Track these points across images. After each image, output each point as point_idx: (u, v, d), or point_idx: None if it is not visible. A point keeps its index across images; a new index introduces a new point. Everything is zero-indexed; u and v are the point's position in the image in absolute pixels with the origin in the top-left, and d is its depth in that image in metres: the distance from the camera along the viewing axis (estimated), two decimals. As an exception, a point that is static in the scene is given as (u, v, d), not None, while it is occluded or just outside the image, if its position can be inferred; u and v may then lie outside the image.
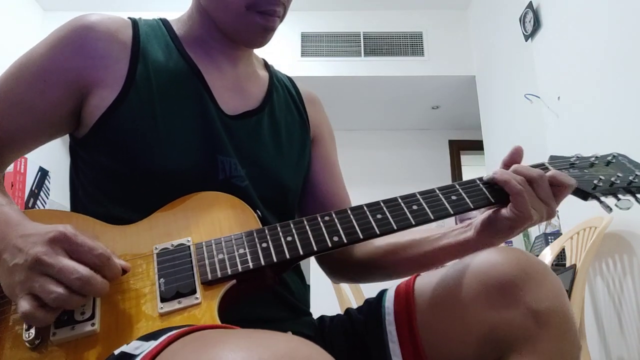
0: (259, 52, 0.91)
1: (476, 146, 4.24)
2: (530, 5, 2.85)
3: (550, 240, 2.41)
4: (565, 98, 2.53)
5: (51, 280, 0.52)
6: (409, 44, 4.03)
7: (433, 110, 4.63)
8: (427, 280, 0.71)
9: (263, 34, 0.78)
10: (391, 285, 0.76)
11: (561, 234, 2.36)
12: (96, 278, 0.54)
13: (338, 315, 0.80)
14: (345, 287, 2.51)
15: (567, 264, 2.11)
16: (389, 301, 0.73)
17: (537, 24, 2.81)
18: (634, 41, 2.02)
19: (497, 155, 3.55)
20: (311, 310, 0.83)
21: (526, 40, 2.95)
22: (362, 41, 4.02)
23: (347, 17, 4.07)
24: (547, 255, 2.21)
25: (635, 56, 2.01)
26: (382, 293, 0.76)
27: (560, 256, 2.24)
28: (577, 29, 2.43)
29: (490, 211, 0.71)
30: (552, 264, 2.16)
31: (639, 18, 1.99)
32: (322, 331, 0.78)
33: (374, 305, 0.75)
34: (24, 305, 0.52)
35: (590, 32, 2.31)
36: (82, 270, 0.53)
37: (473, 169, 5.19)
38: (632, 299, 1.99)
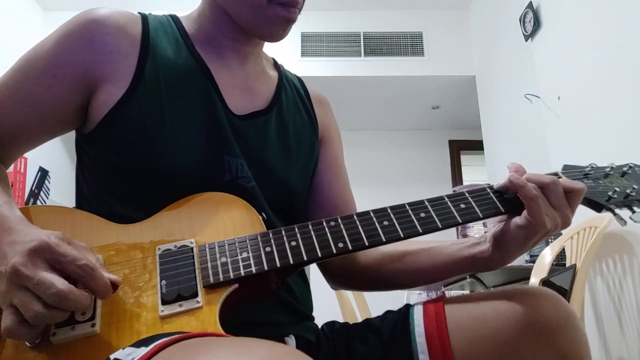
0: (259, 51, 0.90)
1: (476, 146, 4.24)
2: (530, 5, 2.85)
3: (550, 240, 2.41)
4: (565, 98, 2.53)
5: (29, 295, 0.50)
6: (409, 44, 4.03)
7: (433, 110, 4.63)
8: (458, 309, 0.69)
9: (284, 26, 0.77)
10: (416, 302, 0.74)
11: (561, 233, 2.36)
12: (74, 293, 0.51)
13: (354, 324, 0.79)
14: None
15: (567, 264, 2.11)
16: (417, 320, 0.71)
17: (537, 24, 2.81)
18: (634, 41, 2.02)
19: (497, 155, 3.55)
20: (312, 312, 0.82)
21: (526, 40, 2.95)
22: (362, 41, 4.02)
23: (347, 17, 4.07)
24: (547, 255, 2.21)
25: (635, 56, 2.01)
26: (407, 309, 0.74)
27: (560, 256, 2.23)
28: (577, 29, 2.43)
29: (502, 223, 0.69)
30: (552, 264, 2.16)
31: (639, 17, 1.99)
32: (332, 335, 0.77)
33: (401, 317, 0.73)
34: (6, 320, 0.50)
35: (590, 32, 2.31)
36: (60, 284, 0.50)
37: (473, 169, 5.20)
38: (632, 299, 1.99)
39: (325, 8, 4.04)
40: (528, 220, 0.65)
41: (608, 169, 0.76)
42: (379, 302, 3.00)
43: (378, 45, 4.02)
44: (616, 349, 2.06)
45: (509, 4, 3.19)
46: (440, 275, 0.77)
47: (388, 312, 0.77)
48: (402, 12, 4.09)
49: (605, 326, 2.14)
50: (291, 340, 0.72)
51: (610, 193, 0.72)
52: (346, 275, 0.87)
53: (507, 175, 0.68)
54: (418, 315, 0.71)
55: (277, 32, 0.78)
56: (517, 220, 0.66)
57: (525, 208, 0.65)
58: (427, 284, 0.83)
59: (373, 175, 4.71)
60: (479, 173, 4.82)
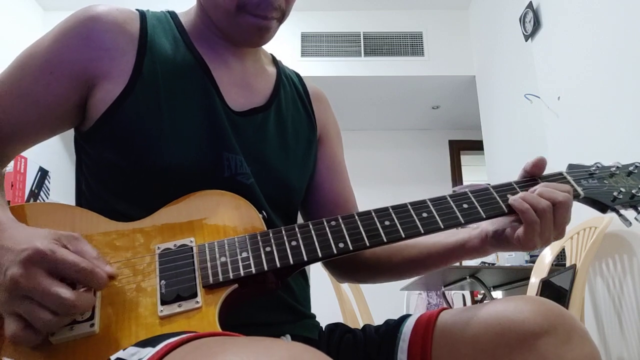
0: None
1: (476, 146, 4.24)
2: (530, 5, 2.85)
3: (550, 241, 2.41)
4: (565, 98, 2.53)
5: (35, 305, 0.50)
6: (409, 44, 4.03)
7: (433, 110, 4.63)
8: (450, 316, 0.69)
9: (258, 34, 0.76)
10: (414, 313, 0.76)
11: (561, 234, 2.35)
12: (81, 298, 0.52)
13: (354, 329, 0.79)
14: (345, 287, 2.51)
15: (567, 264, 2.11)
16: (407, 327, 0.72)
17: (537, 24, 2.81)
18: (634, 41, 2.01)
19: (497, 155, 3.55)
20: (311, 310, 0.82)
21: (526, 40, 2.94)
22: (362, 41, 4.02)
23: (347, 17, 4.07)
24: (547, 255, 2.21)
25: (635, 56, 2.00)
26: (404, 318, 0.75)
27: (560, 256, 2.23)
28: (577, 29, 2.43)
29: (502, 229, 0.70)
30: (552, 264, 2.16)
31: (639, 18, 1.99)
32: (329, 339, 0.77)
33: (392, 328, 0.74)
34: (11, 327, 0.50)
35: (590, 32, 2.31)
36: (65, 294, 0.50)
37: (473, 169, 5.20)
38: (632, 299, 1.99)
39: (325, 8, 4.04)
40: (521, 240, 0.66)
41: (614, 169, 0.74)
42: (378, 302, 3.00)
43: (378, 45, 4.02)
44: (616, 349, 2.06)
45: (509, 4, 3.19)
46: (435, 264, 0.80)
47: (387, 321, 0.77)
48: (402, 12, 4.09)
49: (605, 326, 2.14)
50: (286, 339, 0.71)
51: (615, 193, 0.70)
52: (348, 269, 0.88)
53: (516, 197, 0.68)
54: (407, 329, 0.72)
55: (252, 40, 0.77)
56: (511, 233, 0.68)
57: (523, 228, 0.66)
58: (423, 274, 0.85)
59: (373, 176, 4.71)
60: (479, 173, 4.82)
